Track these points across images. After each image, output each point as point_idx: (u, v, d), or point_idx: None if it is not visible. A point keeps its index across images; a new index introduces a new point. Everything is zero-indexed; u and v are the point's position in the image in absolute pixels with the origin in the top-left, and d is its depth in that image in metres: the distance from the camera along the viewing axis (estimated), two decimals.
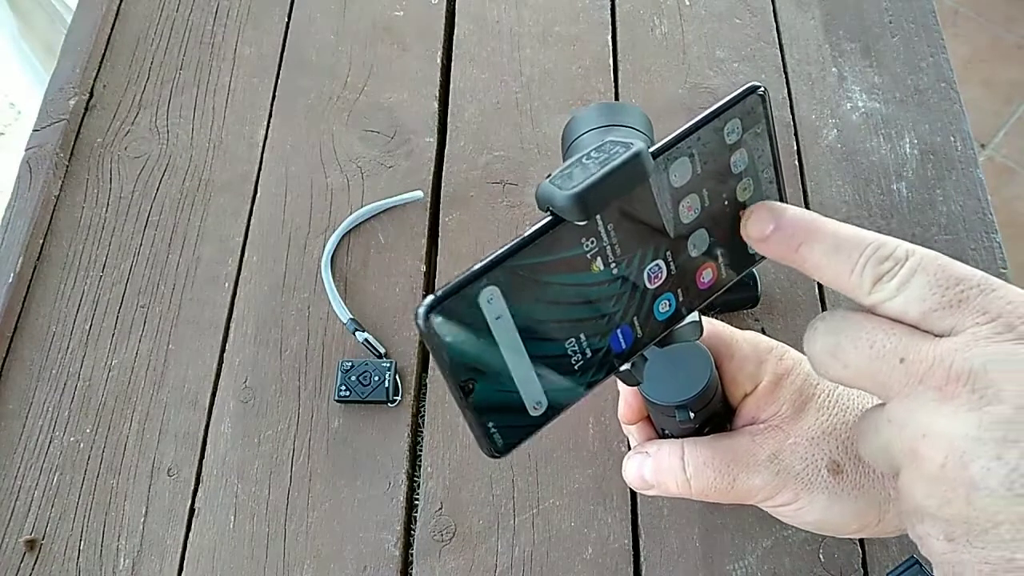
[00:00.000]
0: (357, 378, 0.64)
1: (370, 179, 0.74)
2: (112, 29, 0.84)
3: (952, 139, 0.74)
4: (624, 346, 0.37)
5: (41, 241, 0.73)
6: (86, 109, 0.79)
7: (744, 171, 0.38)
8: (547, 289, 0.35)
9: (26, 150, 0.77)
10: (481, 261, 0.33)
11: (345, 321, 0.67)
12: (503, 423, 0.36)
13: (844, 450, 0.41)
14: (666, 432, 0.45)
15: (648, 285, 0.37)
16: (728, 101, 0.36)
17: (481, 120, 0.78)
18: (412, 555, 0.60)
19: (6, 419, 0.66)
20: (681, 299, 0.38)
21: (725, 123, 0.37)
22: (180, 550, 0.60)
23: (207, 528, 0.61)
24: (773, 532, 0.59)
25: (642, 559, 0.59)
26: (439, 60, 0.81)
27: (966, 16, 1.92)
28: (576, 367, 0.37)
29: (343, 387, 0.64)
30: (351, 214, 0.72)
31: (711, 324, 0.44)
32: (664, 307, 0.38)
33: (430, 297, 0.32)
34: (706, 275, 0.39)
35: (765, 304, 0.67)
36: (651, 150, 0.34)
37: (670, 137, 0.36)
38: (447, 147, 0.76)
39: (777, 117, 0.76)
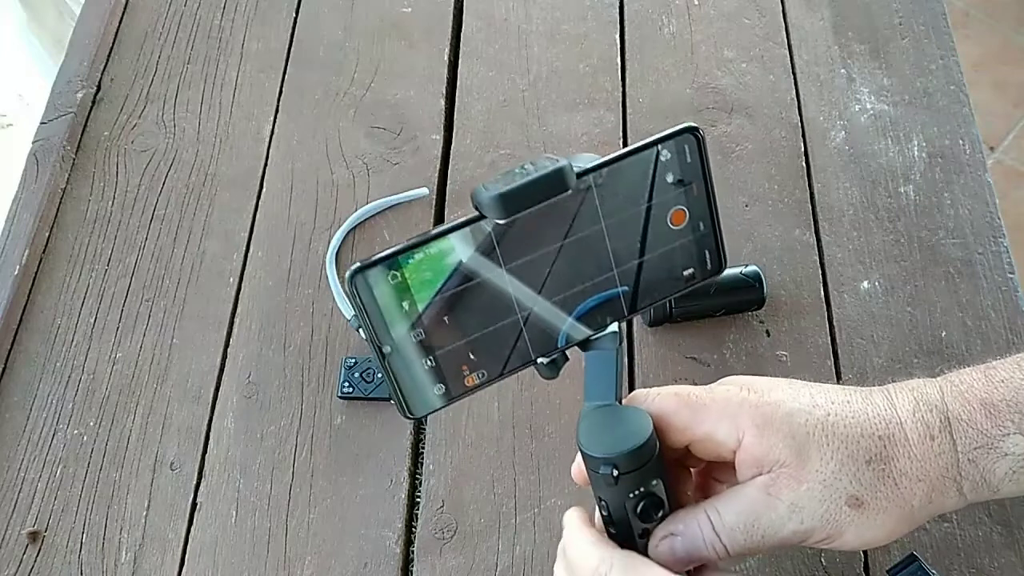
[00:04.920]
0: (360, 375, 0.64)
1: (376, 176, 0.74)
2: (120, 23, 0.84)
3: (961, 142, 0.74)
4: (538, 342, 0.41)
5: (47, 234, 0.73)
6: (93, 102, 0.80)
7: (674, 201, 0.41)
8: (462, 275, 0.38)
9: (33, 143, 0.77)
10: (409, 239, 0.37)
11: (349, 318, 0.67)
12: (411, 393, 0.40)
13: (859, 482, 0.41)
14: (601, 500, 0.45)
15: (559, 291, 0.41)
16: (662, 136, 0.40)
17: (488, 118, 0.77)
18: (413, 553, 0.60)
19: (10, 411, 0.66)
20: (595, 306, 0.42)
21: (656, 155, 0.40)
22: (182, 544, 0.60)
23: (209, 523, 0.61)
24: None
25: None
26: (446, 57, 0.81)
27: (977, 18, 1.91)
28: (485, 354, 0.40)
29: (346, 384, 0.64)
30: (356, 211, 0.72)
31: (676, 395, 0.43)
32: (577, 311, 0.41)
33: (359, 262, 0.37)
34: (624, 291, 0.42)
35: (770, 306, 0.67)
36: (577, 169, 0.38)
37: (600, 160, 0.39)
38: (453, 144, 0.76)
39: (785, 118, 0.76)
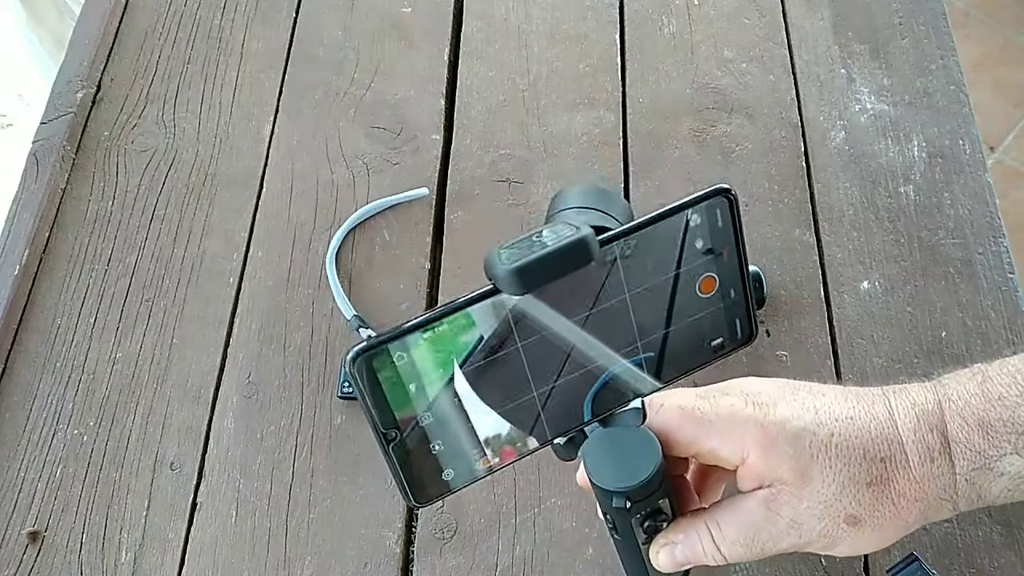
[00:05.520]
0: None
1: (376, 176, 0.74)
2: (120, 23, 0.84)
3: (961, 142, 0.74)
4: (556, 421, 0.38)
5: (47, 234, 0.73)
6: (93, 102, 0.80)
7: (704, 268, 0.38)
8: (477, 354, 0.35)
9: (33, 143, 0.77)
10: (418, 316, 0.34)
11: (349, 318, 0.67)
12: (418, 479, 0.36)
13: (859, 503, 0.42)
14: (607, 515, 0.44)
15: (582, 364, 0.37)
16: (693, 199, 0.36)
17: (488, 118, 0.77)
18: (413, 552, 0.60)
19: (11, 411, 0.66)
20: (617, 381, 0.38)
21: (686, 221, 0.36)
22: (182, 544, 0.60)
23: (209, 523, 0.61)
24: None
25: None
26: (446, 57, 0.81)
27: (977, 18, 1.91)
28: (502, 436, 0.37)
29: (346, 384, 0.64)
30: (356, 211, 0.72)
31: (680, 410, 0.43)
32: (598, 385, 0.38)
33: (362, 343, 0.33)
34: (647, 363, 0.39)
35: (770, 306, 0.67)
36: (600, 237, 0.34)
37: (625, 227, 0.36)
38: (453, 144, 0.76)
39: (785, 118, 0.76)
